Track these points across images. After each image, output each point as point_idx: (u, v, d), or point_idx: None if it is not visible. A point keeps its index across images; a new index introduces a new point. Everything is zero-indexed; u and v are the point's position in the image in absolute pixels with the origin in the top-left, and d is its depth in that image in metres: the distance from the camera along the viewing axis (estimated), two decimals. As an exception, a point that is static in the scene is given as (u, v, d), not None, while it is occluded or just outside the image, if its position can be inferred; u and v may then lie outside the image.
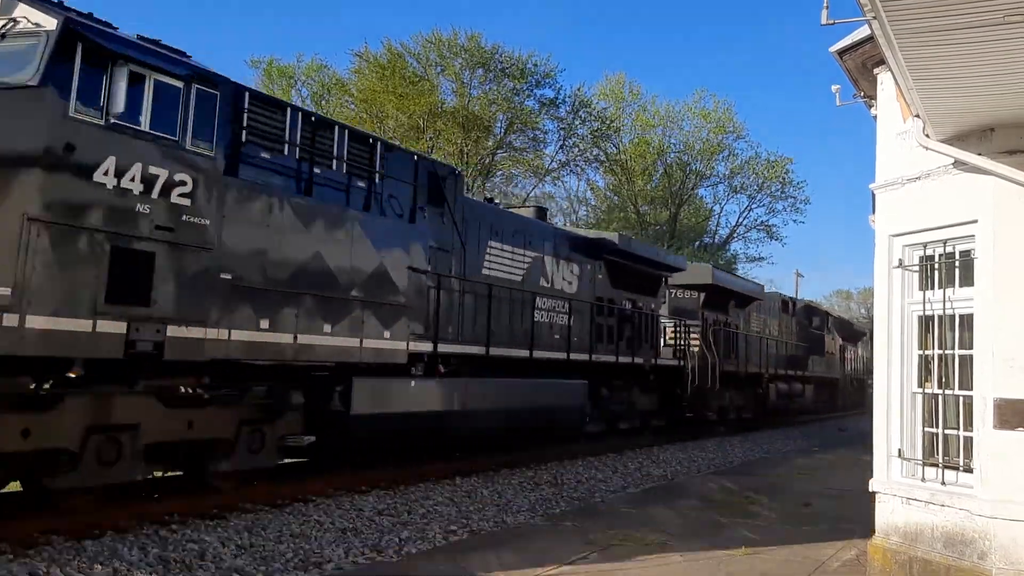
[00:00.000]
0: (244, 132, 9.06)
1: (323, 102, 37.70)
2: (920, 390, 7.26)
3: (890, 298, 7.45)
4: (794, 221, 70.78)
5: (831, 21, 5.57)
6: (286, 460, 10.87)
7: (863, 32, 7.07)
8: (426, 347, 11.70)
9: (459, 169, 15.33)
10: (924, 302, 7.18)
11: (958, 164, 6.69)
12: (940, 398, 7.06)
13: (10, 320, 6.75)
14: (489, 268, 13.86)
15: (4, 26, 7.36)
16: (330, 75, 38.62)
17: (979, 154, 6.46)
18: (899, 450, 7.25)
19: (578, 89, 38.84)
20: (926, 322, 7.22)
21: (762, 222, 51.06)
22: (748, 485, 12.84)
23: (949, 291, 6.96)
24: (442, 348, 12.08)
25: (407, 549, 7.89)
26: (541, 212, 18.19)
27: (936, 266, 7.15)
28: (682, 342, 20.77)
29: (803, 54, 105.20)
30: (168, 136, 8.10)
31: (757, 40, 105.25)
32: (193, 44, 72.82)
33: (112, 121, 7.58)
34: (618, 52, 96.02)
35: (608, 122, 42.23)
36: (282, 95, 35.90)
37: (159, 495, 9.08)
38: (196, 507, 8.61)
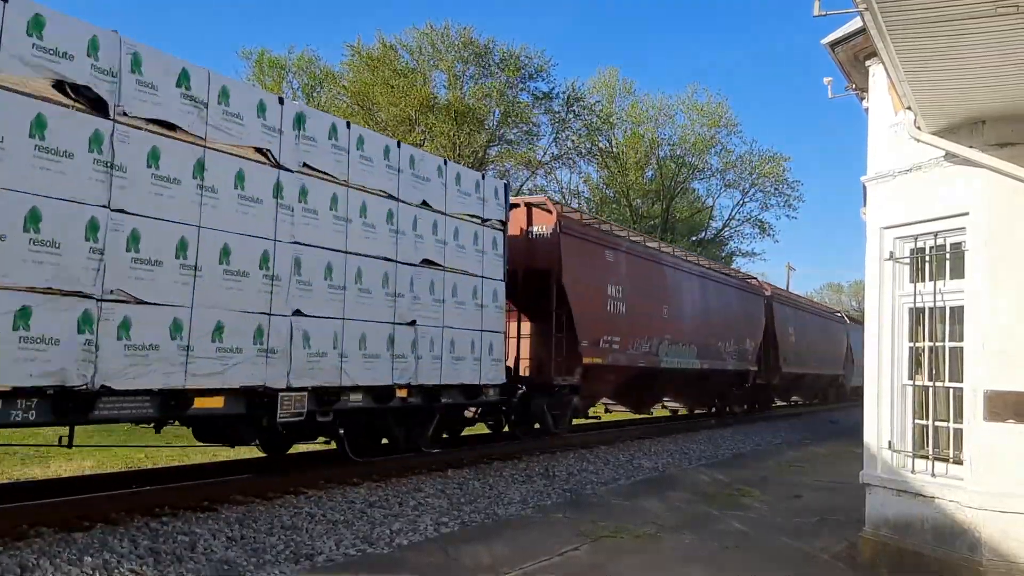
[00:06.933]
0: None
1: (314, 94, 37.57)
2: (910, 382, 7.28)
3: (881, 290, 7.47)
4: (787, 216, 70.86)
5: (823, 12, 5.57)
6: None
7: (855, 24, 7.07)
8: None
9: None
10: (915, 294, 7.20)
11: (949, 157, 6.71)
12: (930, 390, 7.09)
13: None
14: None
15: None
16: (321, 67, 38.50)
17: (970, 147, 6.48)
18: (889, 442, 7.28)
19: (571, 84, 38.80)
20: (917, 314, 7.25)
21: (755, 217, 51.14)
22: (739, 477, 12.88)
23: (940, 283, 6.98)
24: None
25: (398, 541, 7.88)
26: None
27: (927, 258, 7.16)
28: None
29: (796, 46, 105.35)
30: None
31: (750, 33, 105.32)
32: (187, 37, 72.55)
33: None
34: (612, 50, 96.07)
35: (604, 117, 42.20)
36: (273, 87, 35.80)
37: (149, 486, 9.04)
38: (187, 499, 8.58)
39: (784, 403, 34.36)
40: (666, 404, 24.98)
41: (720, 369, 22.30)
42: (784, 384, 29.54)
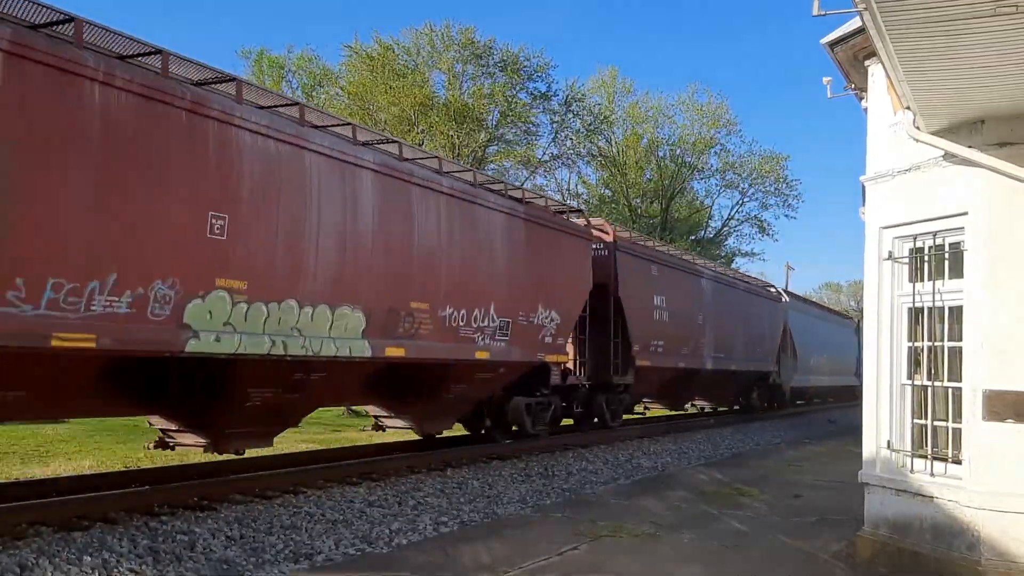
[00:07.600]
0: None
1: (314, 94, 37.54)
2: (909, 382, 7.28)
3: (880, 290, 7.47)
4: (785, 216, 70.81)
5: (822, 12, 5.56)
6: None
7: (854, 24, 7.06)
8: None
9: None
10: (914, 294, 7.20)
11: (948, 156, 6.71)
12: (929, 390, 7.09)
13: None
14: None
15: None
16: (320, 66, 38.46)
17: (970, 146, 6.48)
18: (888, 441, 7.28)
19: (571, 84, 38.82)
20: (916, 314, 7.25)
21: (754, 216, 51.11)
22: (738, 477, 12.88)
23: (939, 283, 6.98)
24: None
25: (397, 541, 7.88)
26: None
27: (926, 258, 7.17)
28: None
29: (796, 46, 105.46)
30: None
31: (750, 33, 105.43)
32: (187, 37, 72.54)
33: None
34: (612, 50, 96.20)
35: (603, 118, 42.20)
36: (273, 86, 35.78)
37: (148, 486, 9.04)
38: (186, 498, 8.58)
39: (695, 412, 26.18)
40: (383, 422, 12.67)
41: (463, 360, 11.77)
42: (650, 387, 19.08)
